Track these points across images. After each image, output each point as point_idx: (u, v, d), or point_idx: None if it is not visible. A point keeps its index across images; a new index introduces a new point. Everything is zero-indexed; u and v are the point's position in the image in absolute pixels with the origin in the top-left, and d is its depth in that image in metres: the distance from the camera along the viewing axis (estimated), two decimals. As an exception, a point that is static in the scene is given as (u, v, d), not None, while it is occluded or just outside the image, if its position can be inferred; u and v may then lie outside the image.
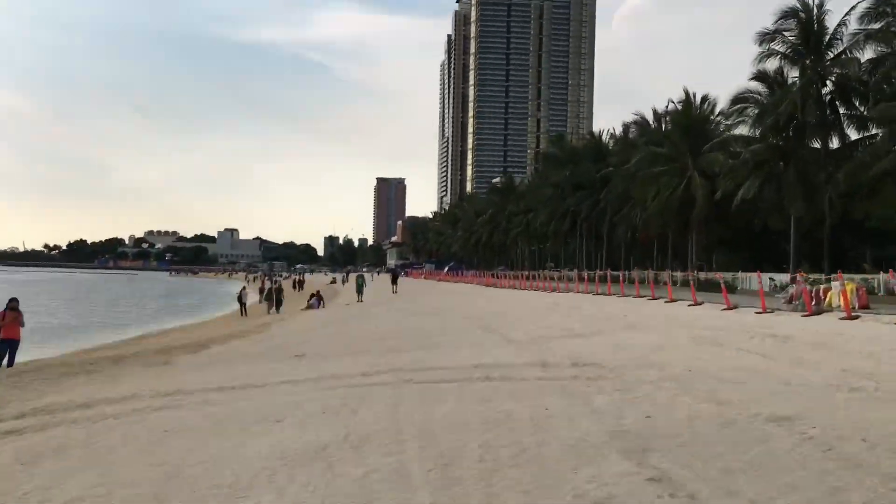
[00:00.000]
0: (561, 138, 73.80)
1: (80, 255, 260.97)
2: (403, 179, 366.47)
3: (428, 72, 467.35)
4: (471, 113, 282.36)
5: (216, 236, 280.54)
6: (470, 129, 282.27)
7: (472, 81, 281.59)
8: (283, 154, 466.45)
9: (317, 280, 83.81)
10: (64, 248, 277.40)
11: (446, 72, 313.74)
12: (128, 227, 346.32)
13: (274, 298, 36.42)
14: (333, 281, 79.46)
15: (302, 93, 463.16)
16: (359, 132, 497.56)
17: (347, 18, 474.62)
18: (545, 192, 69.91)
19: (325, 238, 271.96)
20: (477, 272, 67.49)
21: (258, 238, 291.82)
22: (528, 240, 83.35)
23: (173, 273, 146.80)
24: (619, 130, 61.62)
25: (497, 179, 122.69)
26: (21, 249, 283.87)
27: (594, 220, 60.22)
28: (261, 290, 45.11)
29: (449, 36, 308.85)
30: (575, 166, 63.54)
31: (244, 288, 38.81)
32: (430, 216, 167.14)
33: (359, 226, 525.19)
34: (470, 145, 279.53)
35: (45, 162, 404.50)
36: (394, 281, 52.10)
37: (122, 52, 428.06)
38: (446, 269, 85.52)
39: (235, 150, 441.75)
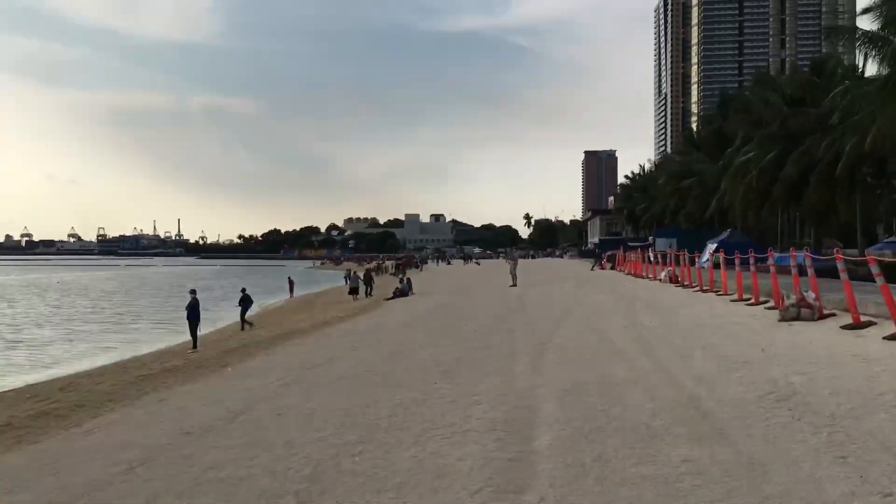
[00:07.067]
0: None
1: (273, 244, 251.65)
2: (614, 151, 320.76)
3: (635, 39, 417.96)
4: (694, 60, 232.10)
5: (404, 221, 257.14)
6: (693, 79, 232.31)
7: (694, 21, 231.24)
8: (488, 138, 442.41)
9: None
10: (259, 238, 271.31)
11: (661, 17, 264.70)
12: (331, 217, 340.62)
13: None
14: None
15: (506, 77, 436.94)
16: (564, 110, 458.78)
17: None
18: None
19: (524, 218, 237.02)
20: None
21: (452, 221, 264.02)
22: None
23: (315, 263, 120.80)
24: None
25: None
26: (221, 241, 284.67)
27: None
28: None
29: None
30: None
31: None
32: (654, 160, 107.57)
33: (569, 205, 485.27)
34: (694, 98, 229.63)
35: (269, 161, 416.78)
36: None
37: (335, 53, 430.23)
38: (709, 251, 30.73)
39: (443, 137, 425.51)
